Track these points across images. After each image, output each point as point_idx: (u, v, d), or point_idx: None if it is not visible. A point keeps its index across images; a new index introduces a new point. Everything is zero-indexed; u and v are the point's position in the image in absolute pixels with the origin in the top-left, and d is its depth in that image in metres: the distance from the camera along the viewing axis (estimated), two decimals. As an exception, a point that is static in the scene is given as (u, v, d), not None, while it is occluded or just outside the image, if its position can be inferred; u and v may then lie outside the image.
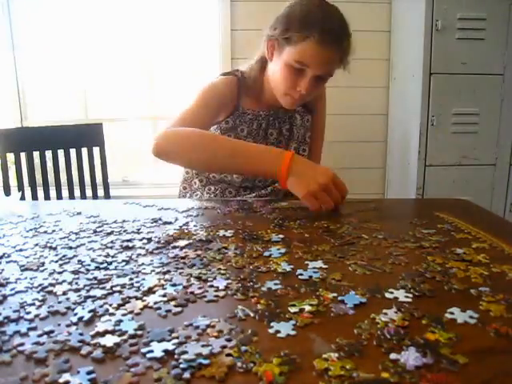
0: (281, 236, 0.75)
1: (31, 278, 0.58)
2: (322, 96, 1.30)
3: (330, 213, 0.89)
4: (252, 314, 0.49)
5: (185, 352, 0.41)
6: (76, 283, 0.57)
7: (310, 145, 1.29)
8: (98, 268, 0.62)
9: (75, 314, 0.49)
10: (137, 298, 0.53)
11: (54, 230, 0.79)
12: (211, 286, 0.56)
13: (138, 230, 0.79)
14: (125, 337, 0.44)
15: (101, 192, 1.55)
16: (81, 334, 0.44)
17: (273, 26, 1.08)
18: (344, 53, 1.06)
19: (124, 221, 0.85)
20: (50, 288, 0.55)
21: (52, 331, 0.45)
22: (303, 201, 0.89)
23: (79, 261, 0.64)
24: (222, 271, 0.60)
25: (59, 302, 0.52)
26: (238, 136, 1.19)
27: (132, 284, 0.56)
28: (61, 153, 1.52)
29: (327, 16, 1.03)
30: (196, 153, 0.98)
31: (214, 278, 0.58)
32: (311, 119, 1.28)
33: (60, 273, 0.60)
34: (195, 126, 1.02)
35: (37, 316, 0.49)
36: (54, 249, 0.70)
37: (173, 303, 0.51)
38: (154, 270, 0.61)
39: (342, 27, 1.05)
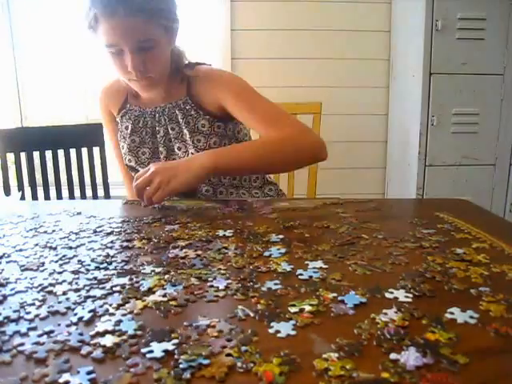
0: (281, 236, 0.75)
1: (31, 278, 0.58)
2: (221, 84, 1.10)
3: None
4: (252, 314, 0.49)
5: (185, 352, 0.41)
6: (76, 283, 0.57)
7: (251, 125, 1.10)
8: (97, 268, 0.62)
9: (75, 314, 0.49)
10: (137, 298, 0.53)
11: (53, 230, 0.79)
12: (211, 286, 0.56)
13: (138, 229, 0.79)
14: (125, 337, 0.44)
15: (101, 192, 1.55)
16: (81, 334, 0.44)
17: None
18: (142, 10, 0.93)
19: (124, 221, 0.85)
20: (50, 288, 0.55)
21: (52, 331, 0.45)
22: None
23: (79, 261, 0.64)
24: (222, 271, 0.60)
25: (59, 302, 0.52)
26: (124, 134, 1.14)
27: (132, 284, 0.56)
28: (61, 153, 1.52)
29: None
30: None
31: (214, 278, 0.58)
32: (210, 124, 1.11)
33: (60, 273, 0.60)
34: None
35: (37, 316, 0.49)
36: (54, 249, 0.70)
37: (173, 303, 0.51)
38: (153, 270, 0.61)
39: None
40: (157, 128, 1.14)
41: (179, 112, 1.11)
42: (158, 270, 0.61)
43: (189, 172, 0.92)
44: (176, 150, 1.13)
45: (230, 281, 0.57)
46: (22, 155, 1.47)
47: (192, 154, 1.09)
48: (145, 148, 1.14)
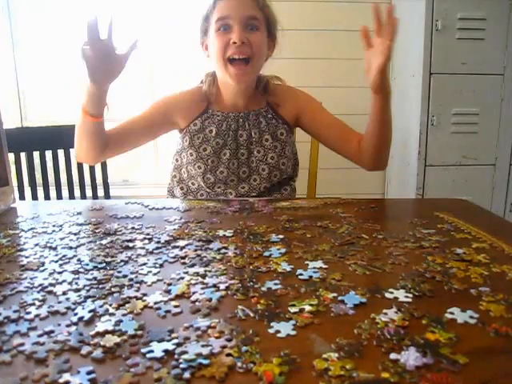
0: (281, 236, 0.75)
1: (31, 278, 0.58)
2: (304, 100, 1.26)
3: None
4: (252, 314, 0.49)
5: (185, 352, 0.41)
6: (76, 283, 0.57)
7: (338, 129, 1.26)
8: (97, 268, 0.62)
9: (75, 314, 0.49)
10: (137, 298, 0.53)
11: (53, 230, 0.79)
12: (211, 286, 0.56)
13: (138, 229, 0.79)
14: (125, 337, 0.44)
15: (101, 192, 1.55)
16: (81, 334, 0.45)
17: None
18: None
19: (124, 221, 0.85)
20: (50, 288, 0.56)
21: (52, 331, 0.45)
22: None
23: (79, 260, 0.64)
24: (222, 271, 0.60)
25: (59, 302, 0.52)
26: (207, 137, 1.19)
27: (132, 284, 0.56)
28: (61, 153, 1.52)
29: None
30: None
31: (214, 278, 0.58)
32: (287, 133, 1.22)
33: (60, 273, 0.60)
34: (117, 129, 1.16)
35: (37, 316, 0.49)
36: (54, 249, 0.70)
37: (173, 303, 0.51)
38: (153, 270, 0.61)
39: None
40: (239, 132, 1.21)
41: (263, 119, 1.22)
42: (157, 270, 0.61)
43: None
44: (255, 152, 1.20)
45: (230, 281, 0.57)
46: (22, 155, 1.47)
47: (272, 157, 1.20)
48: (226, 149, 1.19)
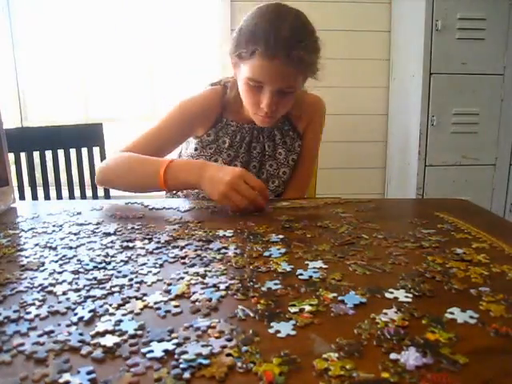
0: (281, 236, 0.75)
1: (31, 278, 0.58)
2: (313, 120, 1.23)
3: (256, 213, 0.88)
4: (252, 314, 0.49)
5: (185, 352, 0.41)
6: (76, 283, 0.57)
7: (295, 167, 1.22)
8: (97, 268, 0.62)
9: (75, 314, 0.49)
10: (137, 298, 0.53)
11: (53, 230, 0.79)
12: (211, 286, 0.56)
13: (138, 229, 0.79)
14: (125, 337, 0.44)
15: (101, 192, 1.55)
16: (81, 334, 0.44)
17: (231, 42, 1.03)
18: (301, 62, 0.96)
19: (124, 221, 0.85)
20: (50, 288, 0.55)
21: (52, 331, 0.45)
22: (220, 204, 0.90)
23: (79, 261, 0.64)
24: (222, 271, 0.60)
25: (59, 302, 0.52)
26: (220, 148, 1.15)
27: (132, 284, 0.56)
28: (61, 153, 1.52)
29: (274, 26, 0.94)
30: (125, 178, 1.02)
31: (214, 278, 0.58)
32: (301, 143, 1.22)
33: (60, 273, 0.60)
34: (146, 150, 1.05)
35: (37, 316, 0.49)
36: (54, 249, 0.70)
37: (173, 303, 0.51)
38: (153, 270, 0.61)
39: (292, 35, 0.94)
40: (253, 144, 1.17)
41: (277, 132, 1.18)
42: (157, 270, 0.61)
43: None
44: (267, 166, 1.19)
45: (230, 281, 0.57)
46: (22, 155, 1.47)
47: (284, 172, 1.19)
48: (237, 161, 1.16)
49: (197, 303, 0.52)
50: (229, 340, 0.43)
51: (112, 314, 0.49)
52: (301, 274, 0.59)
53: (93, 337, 0.44)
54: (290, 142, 1.19)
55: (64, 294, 0.54)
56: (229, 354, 0.41)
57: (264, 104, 1.00)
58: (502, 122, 2.12)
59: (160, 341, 0.43)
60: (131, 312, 0.49)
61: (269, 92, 0.99)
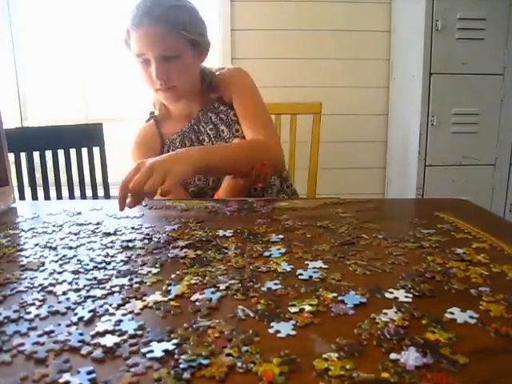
0: (281, 236, 0.75)
1: (31, 278, 0.58)
2: (235, 84, 1.22)
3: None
4: (252, 314, 0.49)
5: (185, 352, 0.41)
6: (76, 283, 0.57)
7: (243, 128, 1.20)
8: (97, 268, 0.62)
9: (75, 314, 0.49)
10: (137, 298, 0.53)
11: (53, 230, 0.79)
12: (211, 286, 0.56)
13: (138, 229, 0.79)
14: (125, 337, 0.44)
15: (101, 192, 1.55)
16: (81, 334, 0.44)
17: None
18: (165, 18, 1.02)
19: (124, 221, 0.85)
20: (50, 288, 0.55)
21: (52, 331, 0.45)
22: None
23: (79, 261, 0.64)
24: (222, 271, 0.60)
25: (59, 302, 0.52)
26: None
27: (132, 284, 0.56)
28: (61, 153, 1.52)
29: (141, 2, 1.05)
30: None
31: (214, 278, 0.58)
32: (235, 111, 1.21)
33: (60, 273, 0.60)
34: None
35: (37, 316, 0.49)
36: (54, 249, 0.70)
37: (173, 303, 0.51)
38: (153, 270, 0.61)
39: (154, 3, 1.03)
40: (200, 138, 1.20)
41: (211, 114, 1.21)
42: (157, 270, 0.61)
43: (182, 163, 0.88)
44: None
45: (230, 281, 0.57)
46: (22, 155, 1.47)
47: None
48: None
49: (197, 303, 0.51)
50: (229, 340, 0.43)
51: (112, 314, 0.49)
52: (301, 274, 0.59)
53: (93, 337, 0.44)
54: (226, 116, 1.20)
55: (64, 293, 0.54)
56: (229, 354, 0.41)
57: (154, 74, 1.06)
58: (502, 122, 2.12)
59: (160, 341, 0.43)
60: (131, 312, 0.49)
61: (153, 61, 1.05)
